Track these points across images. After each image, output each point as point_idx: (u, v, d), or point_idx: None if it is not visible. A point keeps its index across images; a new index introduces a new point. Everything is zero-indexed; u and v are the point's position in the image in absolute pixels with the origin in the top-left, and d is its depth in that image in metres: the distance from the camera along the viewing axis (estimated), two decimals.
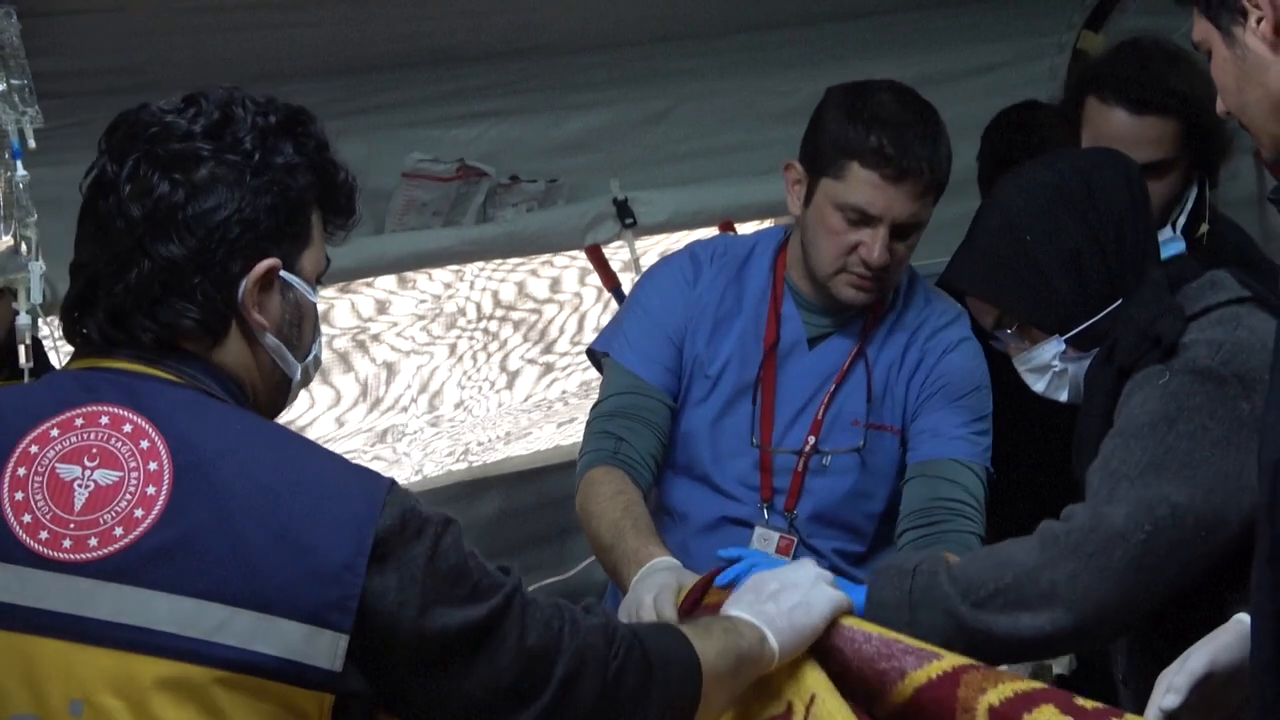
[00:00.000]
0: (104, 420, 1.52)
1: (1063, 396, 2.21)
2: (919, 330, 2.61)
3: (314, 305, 1.68)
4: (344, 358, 3.63)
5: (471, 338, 3.77)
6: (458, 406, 3.85)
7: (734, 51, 3.62)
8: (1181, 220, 2.63)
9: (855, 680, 1.87)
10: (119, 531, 1.47)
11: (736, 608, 1.88)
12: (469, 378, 3.84)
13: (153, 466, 1.49)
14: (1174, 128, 2.60)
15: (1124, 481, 1.96)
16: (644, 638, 1.67)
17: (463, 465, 3.91)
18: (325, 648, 1.46)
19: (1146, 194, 2.20)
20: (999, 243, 2.16)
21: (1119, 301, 2.13)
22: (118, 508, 1.48)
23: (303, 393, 3.60)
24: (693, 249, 2.73)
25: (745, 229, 3.59)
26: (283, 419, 3.68)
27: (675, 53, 3.54)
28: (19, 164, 2.29)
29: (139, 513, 1.48)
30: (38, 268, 2.30)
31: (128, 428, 1.51)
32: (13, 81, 2.27)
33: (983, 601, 1.96)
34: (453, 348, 3.76)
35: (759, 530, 2.60)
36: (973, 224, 2.24)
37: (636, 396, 2.59)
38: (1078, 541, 1.94)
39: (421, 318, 3.68)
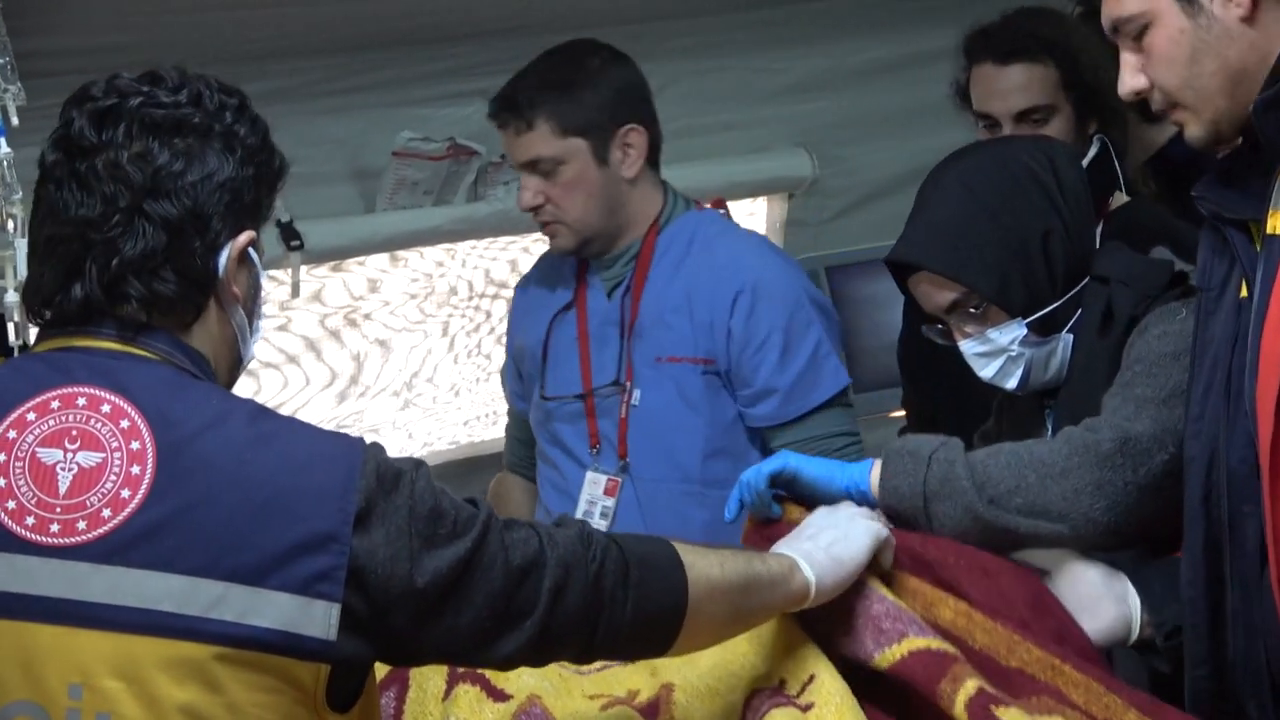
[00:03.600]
0: (81, 402, 1.51)
1: (1011, 384, 2.17)
2: (703, 269, 2.72)
3: (262, 287, 1.67)
4: (336, 335, 3.63)
5: (464, 315, 3.78)
6: (451, 384, 3.85)
7: (726, 30, 3.61)
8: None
9: (856, 638, 1.83)
10: (107, 513, 1.47)
11: (775, 550, 1.86)
12: (466, 354, 3.84)
13: (135, 446, 1.48)
14: (1044, 73, 2.65)
15: (1149, 405, 1.96)
16: (621, 541, 1.66)
17: (457, 442, 3.91)
18: (319, 618, 1.47)
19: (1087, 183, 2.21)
20: (968, 221, 2.11)
21: (1084, 282, 2.13)
22: (104, 489, 1.47)
23: (297, 370, 3.62)
24: (526, 274, 3.00)
25: (737, 206, 3.58)
26: (275, 398, 3.69)
27: (667, 31, 3.53)
28: (3, 141, 2.28)
29: (125, 493, 1.47)
30: (24, 245, 2.29)
31: (106, 408, 1.50)
32: None
33: (1000, 498, 1.95)
34: (445, 326, 3.76)
35: (589, 474, 2.75)
36: (928, 202, 2.17)
37: (515, 426, 3.03)
38: (1108, 453, 1.93)
39: (414, 296, 3.68)
